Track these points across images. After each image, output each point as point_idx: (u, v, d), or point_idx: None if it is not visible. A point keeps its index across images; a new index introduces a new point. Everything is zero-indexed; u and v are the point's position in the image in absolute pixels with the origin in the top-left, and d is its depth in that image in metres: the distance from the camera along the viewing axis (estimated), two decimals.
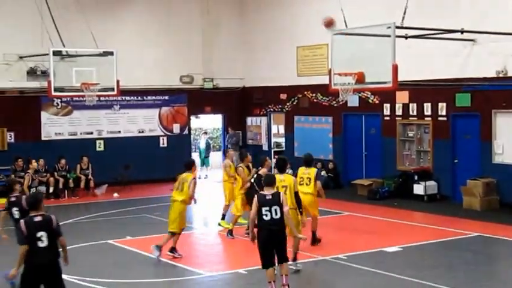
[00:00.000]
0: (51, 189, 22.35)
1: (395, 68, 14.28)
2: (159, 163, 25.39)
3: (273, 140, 27.05)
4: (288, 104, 25.66)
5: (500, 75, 18.45)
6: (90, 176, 23.09)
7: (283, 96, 25.81)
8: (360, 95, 22.08)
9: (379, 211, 18.91)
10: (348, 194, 21.72)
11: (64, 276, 12.32)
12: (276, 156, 14.59)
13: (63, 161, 22.83)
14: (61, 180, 22.52)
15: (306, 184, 14.31)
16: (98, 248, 15.03)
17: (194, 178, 14.08)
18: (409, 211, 18.90)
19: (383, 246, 14.27)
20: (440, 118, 20.40)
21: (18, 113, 23.35)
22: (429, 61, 19.99)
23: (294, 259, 12.49)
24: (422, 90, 20.19)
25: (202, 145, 28.64)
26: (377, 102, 22.09)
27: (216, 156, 30.50)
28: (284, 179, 12.52)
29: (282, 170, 12.76)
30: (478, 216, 17.72)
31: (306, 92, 24.71)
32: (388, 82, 14.56)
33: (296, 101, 25.27)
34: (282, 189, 11.85)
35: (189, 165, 14.28)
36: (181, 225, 14.04)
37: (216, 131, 31.98)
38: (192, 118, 27.67)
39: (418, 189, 20.31)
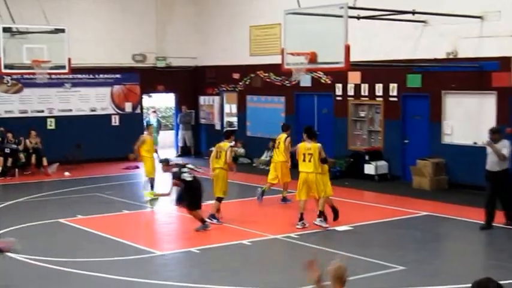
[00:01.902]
0: None
1: (347, 49, 14.37)
2: (111, 142, 25.20)
3: (226, 119, 27.02)
4: (240, 83, 25.62)
5: (451, 56, 18.68)
6: (40, 151, 22.72)
7: (235, 75, 25.76)
8: (313, 75, 22.15)
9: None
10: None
11: (13, 254, 12.23)
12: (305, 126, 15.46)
13: (10, 135, 22.47)
14: (9, 159, 22.22)
15: (309, 161, 14.31)
16: (49, 227, 14.89)
17: (231, 146, 15.44)
18: (360, 190, 19.10)
19: (333, 225, 14.40)
20: (391, 99, 20.58)
21: None
22: (381, 42, 20.13)
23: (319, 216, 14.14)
24: (374, 71, 20.34)
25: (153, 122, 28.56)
26: (329, 82, 22.18)
27: (167, 135, 30.40)
28: (310, 147, 14.16)
29: (310, 138, 14.33)
30: (427, 196, 17.98)
31: (258, 72, 24.70)
32: (341, 62, 14.65)
33: (249, 80, 25.25)
34: (308, 157, 14.11)
35: (228, 135, 15.77)
36: (224, 190, 15.19)
37: (169, 110, 31.81)
38: (145, 97, 27.48)
39: (369, 169, 20.52)
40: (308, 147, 14.23)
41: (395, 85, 20.39)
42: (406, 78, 20.05)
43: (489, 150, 14.06)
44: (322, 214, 14.21)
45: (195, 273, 11.42)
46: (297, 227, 14.12)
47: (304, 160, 14.26)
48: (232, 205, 16.94)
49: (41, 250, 12.68)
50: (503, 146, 13.94)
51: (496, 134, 14.12)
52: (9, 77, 23.58)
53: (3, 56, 20.45)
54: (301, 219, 14.22)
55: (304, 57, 15.04)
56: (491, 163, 14.04)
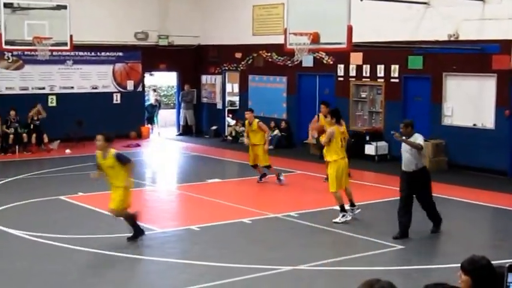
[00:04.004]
0: None
1: (350, 29, 14.39)
2: (112, 120, 25.24)
3: (227, 98, 27.08)
4: (242, 63, 25.65)
5: (452, 38, 18.70)
6: (41, 126, 22.82)
7: (238, 55, 25.78)
8: (315, 55, 22.18)
9: None
10: (300, 153, 21.93)
11: (15, 231, 12.37)
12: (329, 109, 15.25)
13: (13, 113, 22.56)
14: (11, 136, 22.32)
15: (342, 147, 13.51)
16: (50, 204, 14.99)
17: (259, 121, 16.84)
18: (360, 171, 19.16)
19: (334, 204, 14.47)
20: (392, 80, 20.63)
21: None
22: (383, 23, 20.14)
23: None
24: (375, 52, 20.36)
25: (152, 102, 28.77)
26: (331, 63, 22.22)
27: (169, 114, 30.52)
28: (343, 131, 13.71)
29: (338, 122, 13.57)
30: None
31: (261, 51, 24.72)
32: (343, 43, 14.69)
33: (251, 60, 25.27)
34: (344, 142, 13.46)
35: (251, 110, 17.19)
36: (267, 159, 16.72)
37: (171, 88, 31.86)
38: (146, 75, 27.52)
39: (370, 149, 20.61)
40: (342, 131, 13.57)
41: (397, 66, 20.44)
42: (407, 59, 20.08)
43: (403, 147, 12.27)
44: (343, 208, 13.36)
45: (195, 250, 11.54)
46: (338, 221, 13.10)
47: (342, 146, 13.42)
48: (232, 184, 17.05)
49: (42, 227, 12.78)
50: (416, 139, 12.20)
51: (409, 128, 12.30)
52: (10, 53, 23.58)
53: (4, 32, 20.47)
54: (344, 209, 13.28)
55: (307, 38, 15.06)
56: (406, 161, 12.23)
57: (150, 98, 29.61)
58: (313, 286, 9.92)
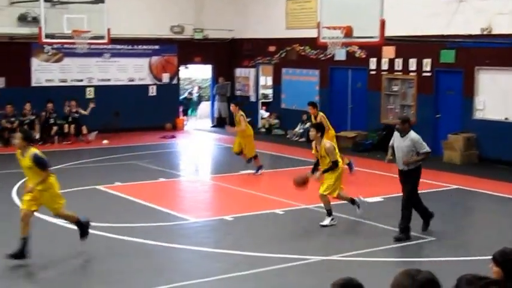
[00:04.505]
0: (37, 135, 22.39)
1: (382, 23, 14.31)
2: (148, 111, 25.43)
3: (261, 91, 27.08)
4: (276, 56, 25.62)
5: (485, 32, 18.50)
6: (80, 118, 23.07)
7: (271, 48, 25.76)
8: (347, 49, 22.08)
9: (362, 163, 19.06)
10: None
11: (53, 219, 12.50)
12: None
13: (49, 105, 22.81)
14: (52, 127, 22.61)
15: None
16: (87, 193, 15.14)
17: (242, 114, 17.02)
18: (391, 164, 19.03)
19: (365, 196, 14.42)
20: (424, 74, 20.47)
21: (9, 58, 23.19)
22: (416, 17, 19.98)
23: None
24: (408, 46, 20.22)
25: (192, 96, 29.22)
26: (363, 56, 22.10)
27: (203, 106, 30.72)
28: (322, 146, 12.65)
29: (323, 135, 12.79)
30: (458, 170, 17.93)
31: (294, 45, 24.67)
32: (375, 37, 14.60)
33: (284, 53, 25.23)
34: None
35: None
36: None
37: (205, 81, 31.96)
38: (181, 68, 27.62)
39: None
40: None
41: (429, 60, 20.27)
42: (439, 53, 19.91)
43: (397, 144, 11.63)
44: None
45: (228, 239, 11.58)
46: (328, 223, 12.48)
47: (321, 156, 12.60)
48: (265, 175, 17.07)
49: (79, 215, 12.90)
50: (415, 142, 11.39)
51: (406, 124, 11.54)
52: (50, 47, 23.82)
53: (44, 26, 20.69)
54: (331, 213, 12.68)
55: (340, 31, 15.01)
56: (400, 160, 11.67)
57: (194, 93, 30.21)
58: (345, 276, 9.88)
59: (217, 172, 18.44)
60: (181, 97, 28.63)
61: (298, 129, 23.96)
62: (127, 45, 25.34)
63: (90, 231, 11.40)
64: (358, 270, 10.23)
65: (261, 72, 26.89)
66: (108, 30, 21.16)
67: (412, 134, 11.48)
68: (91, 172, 17.87)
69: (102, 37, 21.36)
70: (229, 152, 21.81)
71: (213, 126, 27.54)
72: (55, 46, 23.68)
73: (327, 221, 12.40)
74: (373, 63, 21.97)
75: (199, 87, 31.45)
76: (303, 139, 23.22)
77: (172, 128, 26.02)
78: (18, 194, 14.75)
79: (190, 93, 30.75)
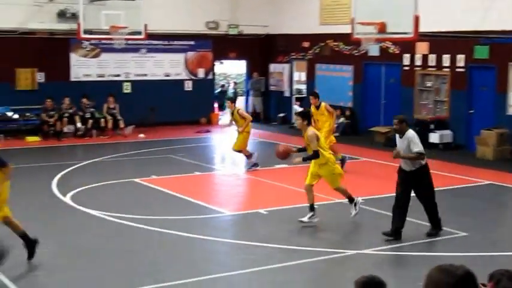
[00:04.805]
0: (80, 129, 22.69)
1: (416, 19, 14.24)
2: (183, 106, 25.57)
3: (295, 86, 27.08)
4: (310, 52, 25.60)
5: None
6: (118, 116, 23.32)
7: (305, 44, 25.74)
8: (381, 45, 21.98)
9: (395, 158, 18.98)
10: (365, 141, 21.81)
11: (92, 210, 12.69)
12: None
13: (84, 100, 23.05)
14: (88, 120, 22.86)
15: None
16: (124, 186, 15.30)
17: (239, 109, 17.21)
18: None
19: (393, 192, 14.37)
20: (458, 69, 20.31)
21: (49, 54, 23.47)
22: (450, 13, 19.83)
23: None
24: (441, 42, 20.07)
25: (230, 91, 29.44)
26: (397, 52, 21.99)
27: (239, 101, 30.82)
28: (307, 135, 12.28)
29: (310, 123, 12.33)
30: (490, 165, 17.78)
31: (328, 41, 24.63)
32: (409, 33, 14.55)
33: (318, 49, 25.20)
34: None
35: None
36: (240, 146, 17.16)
37: (240, 76, 32.05)
38: (216, 63, 27.71)
39: (434, 137, 20.36)
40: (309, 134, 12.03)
41: (463, 56, 20.10)
42: (473, 49, 19.73)
43: (399, 145, 11.04)
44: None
45: (263, 232, 11.63)
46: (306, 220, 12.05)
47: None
48: (299, 169, 17.06)
49: (116, 207, 13.08)
50: (410, 141, 10.81)
51: (403, 123, 10.99)
52: (88, 42, 24.07)
53: (83, 22, 20.93)
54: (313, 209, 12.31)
55: (374, 27, 14.97)
56: (405, 161, 11.05)
57: (229, 89, 30.48)
58: (377, 270, 9.89)
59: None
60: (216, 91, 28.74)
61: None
62: (163, 41, 25.50)
63: (127, 223, 11.55)
64: (390, 264, 10.24)
65: (294, 67, 26.89)
66: (145, 26, 21.33)
67: (409, 133, 10.91)
68: (128, 165, 18.06)
69: (138, 33, 21.56)
70: (263, 146, 21.90)
71: None
72: (93, 42, 23.93)
73: (306, 217, 11.87)
74: (406, 59, 21.84)
75: (235, 83, 31.57)
76: (336, 134, 23.16)
77: (207, 123, 26.14)
78: (58, 186, 14.99)
79: (222, 86, 30.90)
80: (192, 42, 26.17)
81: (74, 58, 24.24)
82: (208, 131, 24.38)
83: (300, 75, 27.09)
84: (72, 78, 24.21)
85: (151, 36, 22.82)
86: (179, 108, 25.57)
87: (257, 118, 27.21)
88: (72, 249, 10.70)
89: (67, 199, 13.80)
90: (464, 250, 10.64)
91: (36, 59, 23.31)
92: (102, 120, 23.06)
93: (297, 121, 12.13)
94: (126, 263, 10.03)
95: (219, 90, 30.04)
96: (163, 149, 20.47)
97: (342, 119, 23.52)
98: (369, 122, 23.12)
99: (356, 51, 22.94)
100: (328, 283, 9.38)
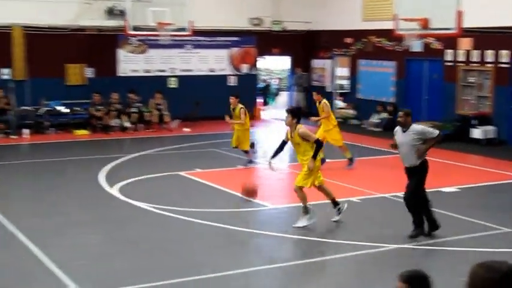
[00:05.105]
0: (126, 123, 22.89)
1: (460, 15, 14.04)
2: (228, 101, 25.49)
3: (337, 82, 26.95)
4: (352, 47, 25.44)
5: None
6: (163, 112, 23.48)
7: (348, 40, 25.58)
8: (424, 40, 21.74)
9: (437, 153, 18.73)
10: None
11: (136, 202, 12.79)
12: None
13: (131, 95, 23.25)
14: (134, 114, 23.06)
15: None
16: (170, 179, 15.39)
17: (242, 107, 16.63)
18: (467, 154, 18.74)
19: (440, 186, 14.23)
20: (502, 65, 19.99)
21: (97, 50, 23.74)
22: (493, 9, 19.50)
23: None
24: (485, 37, 19.77)
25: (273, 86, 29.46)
26: (440, 48, 21.72)
27: (282, 97, 30.86)
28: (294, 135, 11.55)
29: (299, 121, 11.52)
30: None
31: (370, 37, 24.44)
32: (452, 28, 14.36)
33: (361, 45, 25.03)
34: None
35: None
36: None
37: (283, 72, 32.01)
38: (259, 59, 27.70)
39: (477, 133, 20.08)
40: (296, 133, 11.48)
41: (507, 52, 19.77)
42: None
43: (402, 140, 10.67)
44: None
45: (306, 226, 11.59)
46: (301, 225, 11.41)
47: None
48: (342, 164, 16.99)
49: (162, 199, 13.16)
50: (422, 132, 10.54)
51: (409, 117, 10.66)
52: (135, 38, 24.26)
53: (130, 19, 21.09)
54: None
55: (417, 23, 14.81)
56: (404, 156, 10.73)
57: (272, 84, 30.53)
58: (419, 265, 9.80)
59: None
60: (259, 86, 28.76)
61: (374, 119, 23.77)
62: (208, 37, 25.57)
63: (172, 215, 11.59)
64: (433, 259, 10.12)
65: (337, 63, 26.75)
66: (190, 22, 21.41)
67: (415, 126, 10.57)
68: (173, 158, 18.16)
69: (184, 29, 21.65)
70: None
71: None
72: (140, 38, 24.10)
73: (301, 222, 11.28)
74: (449, 54, 21.57)
75: (280, 79, 31.57)
76: (378, 129, 23.06)
77: (250, 118, 26.09)
78: (106, 178, 15.15)
79: (264, 81, 30.91)
80: (236, 38, 26.21)
81: (122, 54, 24.47)
82: (251, 126, 24.34)
83: (342, 71, 26.97)
84: (120, 74, 24.43)
85: (196, 32, 22.90)
86: (223, 103, 25.39)
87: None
88: (118, 239, 10.81)
89: (114, 191, 13.94)
90: (507, 246, 10.47)
91: (85, 54, 23.61)
92: (148, 114, 23.24)
93: (286, 118, 11.34)
94: (169, 254, 10.08)
95: (262, 85, 30.04)
96: (207, 143, 20.55)
97: (384, 114, 23.35)
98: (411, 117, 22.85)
99: (398, 47, 22.71)
100: (370, 277, 9.31)
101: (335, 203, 11.74)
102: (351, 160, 16.70)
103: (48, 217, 12.10)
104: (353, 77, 25.76)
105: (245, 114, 16.82)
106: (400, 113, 10.76)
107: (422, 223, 10.69)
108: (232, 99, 17.08)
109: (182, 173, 15.83)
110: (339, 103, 26.48)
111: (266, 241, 10.89)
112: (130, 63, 24.64)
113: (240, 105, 16.84)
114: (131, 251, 10.23)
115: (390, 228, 11.48)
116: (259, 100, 28.52)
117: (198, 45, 25.55)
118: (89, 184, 14.68)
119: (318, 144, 11.18)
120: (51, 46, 22.89)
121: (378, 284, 8.92)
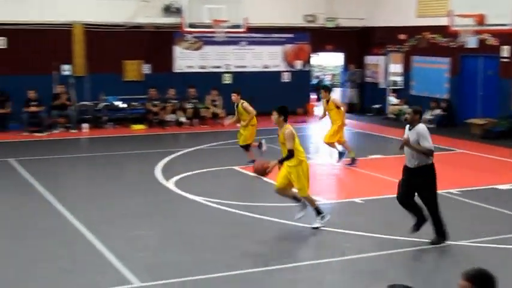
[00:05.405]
0: (182, 118, 23.05)
1: None
2: (281, 97, 25.46)
3: (390, 78, 26.66)
4: (406, 44, 25.12)
5: None
6: (218, 108, 23.56)
7: (402, 36, 25.27)
8: (479, 36, 21.33)
9: (492, 150, 18.44)
10: (461, 133, 21.24)
11: (192, 196, 12.84)
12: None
13: (192, 90, 23.40)
14: (189, 109, 23.20)
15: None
16: (224, 173, 15.44)
17: (244, 102, 16.26)
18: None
19: (495, 183, 13.96)
20: None
21: (154, 47, 23.95)
22: None
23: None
24: None
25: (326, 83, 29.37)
26: (495, 44, 21.29)
27: (335, 93, 30.66)
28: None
29: (287, 119, 11.20)
30: None
31: (424, 33, 24.09)
32: (509, 24, 14.08)
33: (415, 41, 24.70)
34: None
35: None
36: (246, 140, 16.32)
37: (336, 68, 31.83)
38: (313, 55, 27.58)
39: None
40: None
41: None
42: None
43: (406, 136, 10.05)
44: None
45: (358, 221, 11.50)
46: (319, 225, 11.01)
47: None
48: (393, 160, 16.79)
49: (216, 193, 13.19)
50: (421, 135, 9.83)
51: (417, 115, 10.00)
52: (191, 35, 24.38)
53: (186, 16, 21.20)
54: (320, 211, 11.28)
55: (472, 19, 14.55)
56: (408, 155, 10.11)
57: (324, 80, 30.39)
58: (473, 262, 9.62)
59: (346, 156, 18.30)
60: (312, 82, 28.66)
61: (428, 116, 23.43)
62: (262, 34, 25.55)
63: (226, 208, 11.62)
64: (487, 256, 9.92)
65: (390, 59, 26.46)
66: (245, 19, 21.43)
67: (420, 127, 9.90)
68: (227, 153, 18.20)
69: (239, 26, 21.70)
70: (359, 136, 21.68)
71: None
72: (196, 35, 24.22)
73: (317, 223, 10.89)
74: (505, 50, 21.11)
75: (333, 75, 31.42)
76: (432, 125, 22.72)
77: (304, 113, 26.07)
78: (162, 172, 15.28)
79: (317, 77, 30.79)
80: (290, 35, 26.13)
81: (178, 50, 24.61)
82: (304, 121, 24.29)
83: (396, 67, 26.67)
84: (176, 70, 24.60)
85: (251, 29, 22.92)
86: (277, 99, 25.35)
87: (353, 109, 26.97)
88: (174, 232, 10.88)
89: (170, 184, 14.04)
90: None
91: (142, 51, 23.84)
92: (203, 110, 23.35)
93: (273, 116, 10.97)
94: (224, 248, 10.10)
95: (315, 81, 29.91)
96: (260, 138, 20.50)
97: (438, 111, 23.02)
98: (465, 114, 22.50)
99: (453, 43, 22.35)
100: (427, 274, 9.16)
101: (298, 201, 11.08)
102: (352, 160, 16.37)
103: (106, 209, 12.25)
104: (406, 73, 25.45)
105: (249, 107, 16.14)
106: (409, 110, 10.27)
107: (422, 215, 10.14)
108: (234, 96, 16.35)
109: (236, 168, 15.85)
110: (392, 99, 26.19)
111: (319, 236, 10.80)
112: (186, 59, 24.78)
113: (242, 101, 16.22)
114: (187, 243, 10.27)
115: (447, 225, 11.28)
116: (313, 96, 28.37)
117: (253, 42, 25.55)
118: (145, 177, 14.82)
119: (290, 154, 10.58)
120: (109, 43, 23.19)
121: (438, 279, 8.79)
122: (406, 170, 10.18)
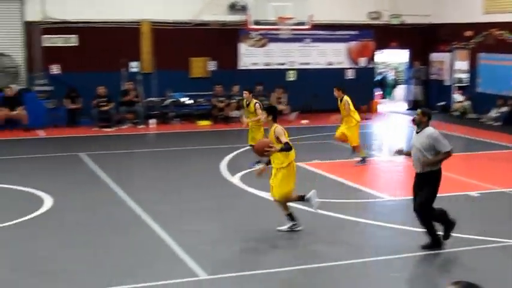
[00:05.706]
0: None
1: None
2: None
3: (455, 75, 26.23)
4: (472, 41, 24.66)
5: None
6: (283, 105, 23.58)
7: (468, 33, 24.81)
8: None
9: None
10: None
11: (257, 191, 12.88)
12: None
13: (259, 87, 23.48)
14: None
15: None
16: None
17: (257, 102, 15.30)
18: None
19: None
20: None
21: (220, 44, 24.13)
22: None
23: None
24: None
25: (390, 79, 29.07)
26: None
27: (399, 90, 30.39)
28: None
29: (276, 119, 10.95)
30: None
31: (491, 30, 23.60)
32: None
33: (481, 38, 24.23)
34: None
35: None
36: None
37: (400, 65, 31.47)
38: (377, 52, 27.34)
39: None
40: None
41: None
42: None
43: (414, 141, 9.81)
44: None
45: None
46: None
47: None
48: (459, 158, 16.54)
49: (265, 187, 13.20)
50: (435, 140, 9.43)
51: (425, 117, 9.55)
52: (256, 33, 24.46)
53: (252, 14, 21.29)
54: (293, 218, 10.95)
55: None
56: (415, 160, 9.81)
57: (388, 77, 30.13)
58: None
59: (352, 154, 18.00)
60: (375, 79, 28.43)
61: (494, 113, 22.99)
62: (327, 31, 25.46)
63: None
64: None
65: (456, 56, 26.02)
66: (310, 16, 21.39)
67: (430, 130, 9.46)
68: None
69: (303, 23, 21.67)
70: None
71: (408, 109, 27.07)
72: (261, 32, 24.29)
73: (285, 226, 10.64)
74: None
75: (396, 71, 31.11)
76: (498, 123, 22.29)
77: (368, 110, 25.88)
78: (227, 167, 15.39)
79: (380, 73, 30.47)
80: (354, 32, 25.97)
81: (243, 47, 24.74)
82: (368, 118, 24.11)
83: (461, 64, 26.23)
84: (241, 67, 24.74)
85: (315, 26, 22.87)
86: None
87: (418, 106, 26.61)
88: (239, 227, 10.94)
89: (236, 180, 14.14)
90: None
91: (208, 48, 24.05)
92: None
93: (262, 116, 10.71)
94: (289, 243, 10.13)
95: (379, 78, 29.65)
96: (325, 134, 20.46)
97: (504, 108, 22.55)
98: None
99: None
100: (488, 273, 9.01)
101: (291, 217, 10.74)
102: (363, 159, 16.02)
103: (172, 203, 12.43)
104: (472, 70, 24.99)
105: (261, 109, 14.72)
106: (418, 111, 9.71)
107: (436, 235, 9.73)
108: (246, 94, 15.51)
109: (301, 164, 15.81)
110: (457, 97, 25.77)
111: (383, 232, 10.76)
112: (251, 56, 24.89)
113: (255, 100, 15.45)
114: (252, 238, 10.33)
115: (509, 224, 11.07)
116: (378, 93, 28.15)
117: (317, 39, 25.48)
118: (211, 173, 14.96)
119: (286, 147, 10.31)
120: (176, 40, 23.47)
121: (493, 279, 8.65)
122: (416, 175, 9.84)
